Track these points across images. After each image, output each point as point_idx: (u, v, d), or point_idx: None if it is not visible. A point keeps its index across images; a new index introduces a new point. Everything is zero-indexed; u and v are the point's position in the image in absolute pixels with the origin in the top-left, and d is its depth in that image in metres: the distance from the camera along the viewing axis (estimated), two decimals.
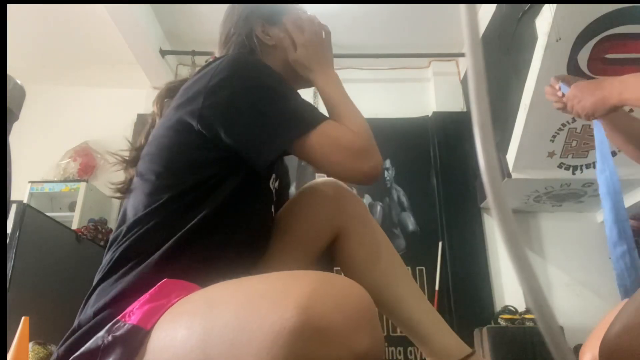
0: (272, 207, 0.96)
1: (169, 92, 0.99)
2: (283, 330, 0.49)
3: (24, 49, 3.47)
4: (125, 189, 0.91)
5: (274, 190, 0.97)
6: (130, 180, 0.91)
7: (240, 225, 0.84)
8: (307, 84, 1.07)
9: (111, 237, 0.85)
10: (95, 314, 0.71)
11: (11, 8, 3.03)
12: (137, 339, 0.62)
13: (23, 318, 1.63)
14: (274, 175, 0.96)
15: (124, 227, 0.81)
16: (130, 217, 0.82)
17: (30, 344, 1.79)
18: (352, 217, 0.98)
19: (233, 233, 0.80)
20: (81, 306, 0.77)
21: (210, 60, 1.01)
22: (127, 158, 0.95)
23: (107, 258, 0.79)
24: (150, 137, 0.90)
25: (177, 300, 0.65)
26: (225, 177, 0.81)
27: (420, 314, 0.91)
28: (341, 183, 1.04)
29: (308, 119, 0.82)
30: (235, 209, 0.83)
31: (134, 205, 0.83)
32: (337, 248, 0.99)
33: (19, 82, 0.89)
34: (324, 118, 0.83)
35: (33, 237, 2.22)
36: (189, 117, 0.81)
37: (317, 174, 3.02)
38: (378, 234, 1.00)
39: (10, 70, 0.88)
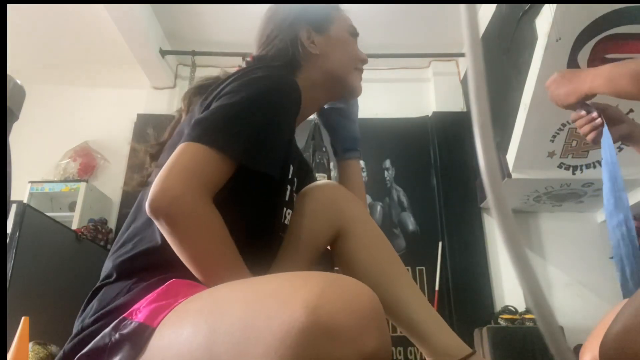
0: (285, 216, 0.96)
1: (199, 89, 0.97)
2: (292, 329, 0.49)
3: (24, 49, 3.47)
4: (145, 183, 0.90)
5: (288, 198, 0.96)
6: (149, 174, 0.91)
7: (250, 238, 0.83)
8: (344, 97, 1.10)
9: (122, 232, 0.84)
10: (102, 316, 0.70)
11: (11, 8, 3.03)
12: (143, 336, 0.62)
13: (23, 318, 1.63)
14: (288, 185, 0.95)
15: (133, 229, 0.80)
16: (143, 215, 0.81)
17: (30, 344, 1.79)
18: (352, 218, 0.99)
19: (243, 246, 0.77)
20: (82, 307, 0.77)
21: (249, 60, 1.00)
22: (150, 152, 0.95)
23: (115, 260, 0.78)
24: (175, 132, 0.90)
25: (184, 299, 0.65)
26: (237, 188, 0.79)
27: (420, 313, 0.91)
28: (340, 185, 1.04)
29: (210, 133, 0.74)
30: (246, 222, 0.82)
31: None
32: (337, 249, 0.99)
33: (19, 82, 0.89)
34: (217, 144, 0.73)
35: (33, 237, 2.22)
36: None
37: (316, 175, 3.02)
38: (378, 235, 1.00)
39: (11, 70, 0.89)
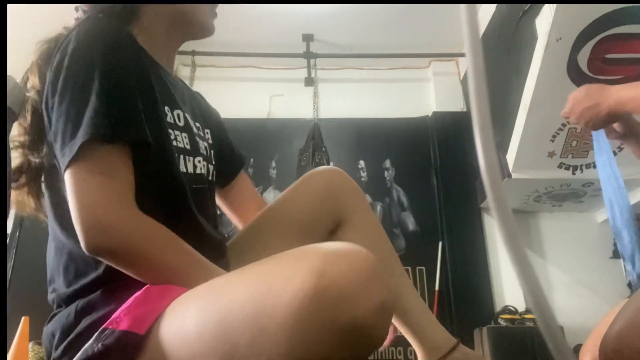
0: (195, 165, 0.87)
1: (46, 58, 0.84)
2: (305, 297, 0.51)
3: (24, 49, 3.47)
4: (18, 177, 0.83)
5: (190, 146, 0.86)
6: (28, 165, 0.82)
7: (165, 203, 0.78)
8: (196, 36, 0.98)
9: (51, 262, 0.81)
10: (70, 345, 0.69)
11: (11, 8, 3.03)
12: (130, 345, 0.61)
13: (23, 318, 1.63)
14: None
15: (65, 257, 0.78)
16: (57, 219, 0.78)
17: (30, 344, 1.79)
18: (353, 207, 0.99)
19: (168, 218, 0.73)
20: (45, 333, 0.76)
21: (85, 9, 0.90)
22: (24, 142, 0.83)
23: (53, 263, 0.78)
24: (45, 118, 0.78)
25: (172, 301, 0.64)
26: (140, 177, 0.74)
27: (413, 306, 0.97)
28: (341, 172, 1.03)
29: (80, 148, 0.66)
30: (150, 191, 0.76)
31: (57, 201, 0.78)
32: (336, 238, 0.99)
33: (19, 81, 0.89)
34: (98, 152, 0.67)
35: (33, 237, 2.22)
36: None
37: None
38: (376, 226, 1.02)
39: (11, 70, 0.88)
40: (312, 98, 3.48)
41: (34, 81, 0.84)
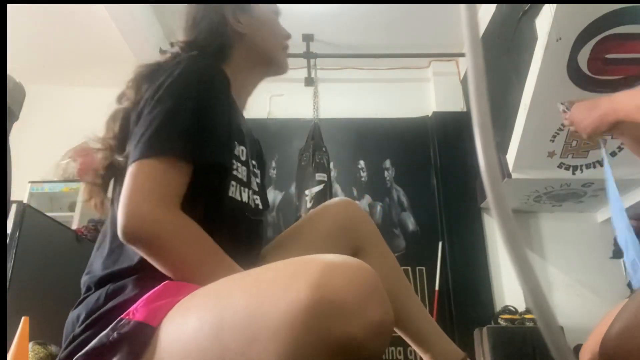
0: (250, 197, 0.93)
1: (146, 77, 0.92)
2: (299, 308, 0.51)
3: (24, 49, 3.47)
4: (104, 175, 0.88)
5: (246, 179, 0.93)
6: (113, 165, 0.88)
7: (216, 226, 0.81)
8: (273, 74, 1.09)
9: (102, 241, 0.83)
10: (92, 323, 0.71)
11: (11, 8, 3.03)
12: (144, 336, 0.63)
13: (23, 318, 1.63)
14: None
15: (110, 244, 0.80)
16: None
17: (30, 344, 1.78)
18: (367, 238, 1.05)
19: (217, 237, 0.77)
20: (70, 317, 0.77)
21: (181, 45, 1.00)
22: (112, 145, 0.90)
23: (102, 259, 0.79)
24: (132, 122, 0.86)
25: (184, 297, 0.66)
26: (195, 187, 0.78)
27: (424, 323, 1.04)
28: (354, 203, 1.09)
29: (152, 145, 0.74)
30: (203, 212, 0.81)
31: None
32: None
33: (19, 82, 0.89)
34: (164, 153, 0.74)
35: (33, 237, 2.22)
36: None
37: (316, 175, 3.02)
38: (389, 254, 1.09)
39: (11, 70, 0.89)
40: (312, 98, 3.49)
41: (129, 94, 0.92)
